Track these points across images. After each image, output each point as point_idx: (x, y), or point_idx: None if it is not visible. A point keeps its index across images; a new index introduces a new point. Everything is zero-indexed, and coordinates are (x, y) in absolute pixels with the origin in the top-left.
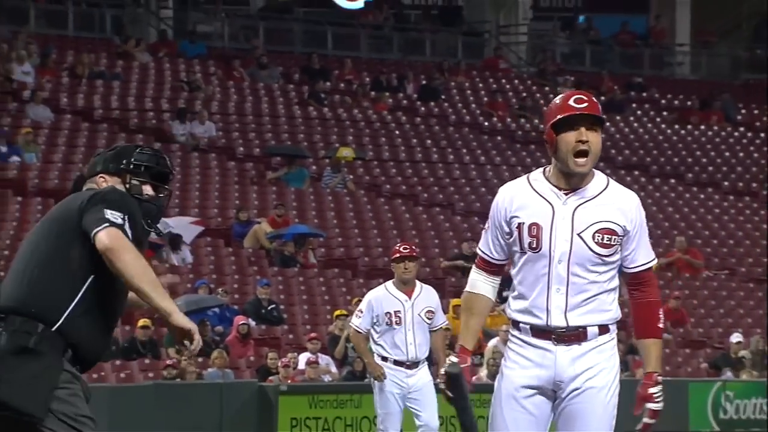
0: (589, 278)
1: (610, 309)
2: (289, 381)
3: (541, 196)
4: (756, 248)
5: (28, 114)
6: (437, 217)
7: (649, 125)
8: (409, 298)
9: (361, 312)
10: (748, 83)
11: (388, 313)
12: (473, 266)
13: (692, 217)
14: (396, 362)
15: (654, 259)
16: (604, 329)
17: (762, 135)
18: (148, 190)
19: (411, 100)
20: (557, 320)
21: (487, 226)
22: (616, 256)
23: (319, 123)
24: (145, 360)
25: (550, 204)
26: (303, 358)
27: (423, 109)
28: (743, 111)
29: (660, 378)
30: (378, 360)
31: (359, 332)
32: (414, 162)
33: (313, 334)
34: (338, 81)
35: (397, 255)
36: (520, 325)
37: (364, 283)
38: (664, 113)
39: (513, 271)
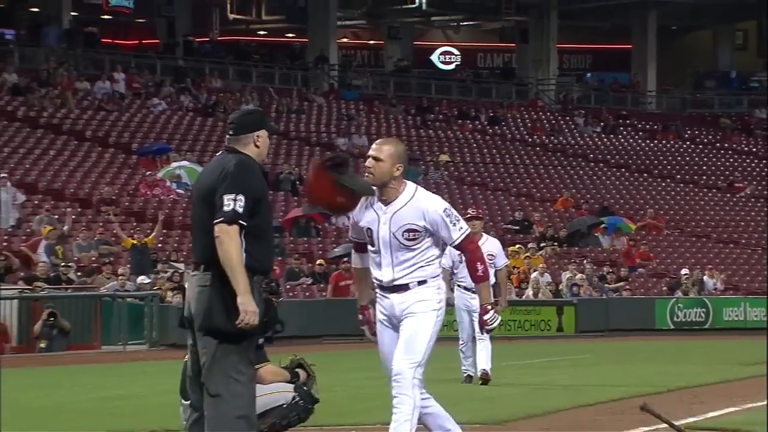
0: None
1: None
2: None
3: None
4: (696, 216)
5: None
6: (499, 197)
7: (630, 141)
8: None
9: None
10: (692, 115)
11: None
12: None
13: (657, 197)
14: (465, 288)
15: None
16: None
17: (701, 146)
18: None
19: (483, 126)
20: None
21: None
22: None
23: (426, 139)
24: (321, 284)
25: None
26: None
27: (491, 131)
28: (689, 132)
29: (489, 307)
30: (455, 286)
31: (445, 269)
32: (485, 164)
33: None
34: (438, 114)
35: (468, 216)
36: None
37: None
38: (640, 133)
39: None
